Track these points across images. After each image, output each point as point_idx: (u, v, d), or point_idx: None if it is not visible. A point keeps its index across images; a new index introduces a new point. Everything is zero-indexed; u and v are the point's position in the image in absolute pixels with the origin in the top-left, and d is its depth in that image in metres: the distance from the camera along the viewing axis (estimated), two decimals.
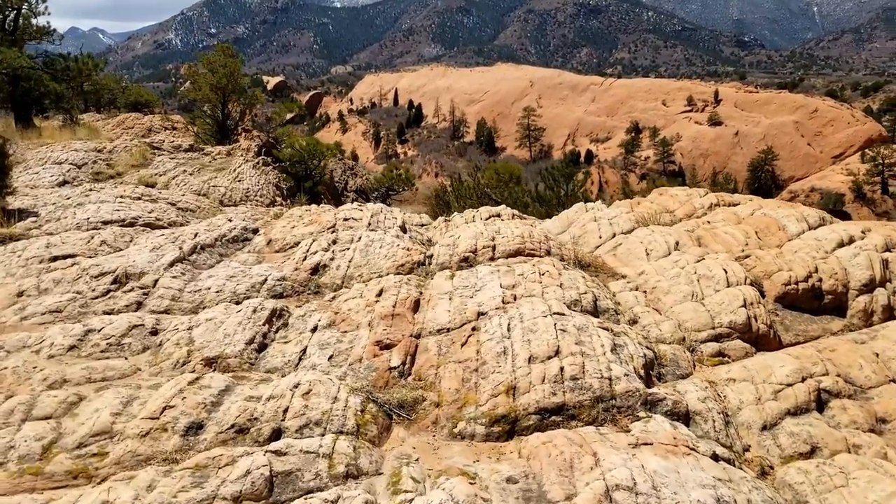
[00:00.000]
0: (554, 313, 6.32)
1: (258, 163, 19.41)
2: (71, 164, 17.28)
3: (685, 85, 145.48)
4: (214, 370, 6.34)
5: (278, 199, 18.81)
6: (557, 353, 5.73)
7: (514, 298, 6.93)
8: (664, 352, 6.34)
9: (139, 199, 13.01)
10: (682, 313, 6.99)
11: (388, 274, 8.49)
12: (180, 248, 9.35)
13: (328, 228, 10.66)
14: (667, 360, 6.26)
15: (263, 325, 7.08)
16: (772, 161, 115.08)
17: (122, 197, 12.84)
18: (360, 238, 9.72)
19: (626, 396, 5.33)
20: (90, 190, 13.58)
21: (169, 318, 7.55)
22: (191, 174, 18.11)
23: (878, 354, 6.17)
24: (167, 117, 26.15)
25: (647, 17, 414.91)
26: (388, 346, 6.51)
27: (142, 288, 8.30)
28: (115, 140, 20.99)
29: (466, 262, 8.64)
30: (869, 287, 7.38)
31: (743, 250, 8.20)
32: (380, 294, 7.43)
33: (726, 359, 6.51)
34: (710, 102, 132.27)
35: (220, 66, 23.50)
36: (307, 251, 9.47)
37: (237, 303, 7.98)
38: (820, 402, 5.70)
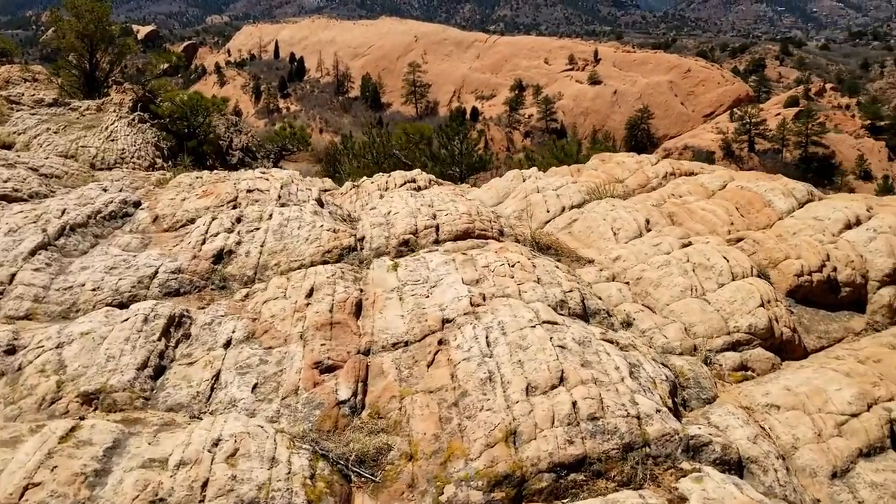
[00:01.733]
0: (544, 322, 4.98)
1: (134, 119, 17.00)
2: None
3: (566, 44, 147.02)
4: (96, 410, 4.67)
5: (158, 160, 16.55)
6: (562, 380, 4.41)
7: (484, 299, 5.55)
8: (680, 368, 5.13)
9: None
10: (685, 314, 5.82)
11: (312, 263, 6.91)
12: (44, 231, 7.38)
13: (228, 202, 8.88)
14: (685, 378, 5.05)
15: (159, 339, 5.40)
16: (648, 119, 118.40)
17: None
18: (270, 215, 8.04)
19: (662, 442, 4.08)
20: None
21: (31, 330, 5.73)
22: (55, 132, 15.56)
23: None
24: (27, 68, 23.19)
25: None
26: (331, 369, 5.00)
27: None
28: None
29: (407, 247, 7.17)
30: (892, 278, 6.47)
31: (729, 231, 7.13)
32: (310, 294, 5.86)
33: (750, 372, 5.41)
34: (590, 62, 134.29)
35: (86, 10, 20.74)
36: (206, 232, 7.71)
37: (121, 305, 6.21)
38: (893, 435, 4.67)
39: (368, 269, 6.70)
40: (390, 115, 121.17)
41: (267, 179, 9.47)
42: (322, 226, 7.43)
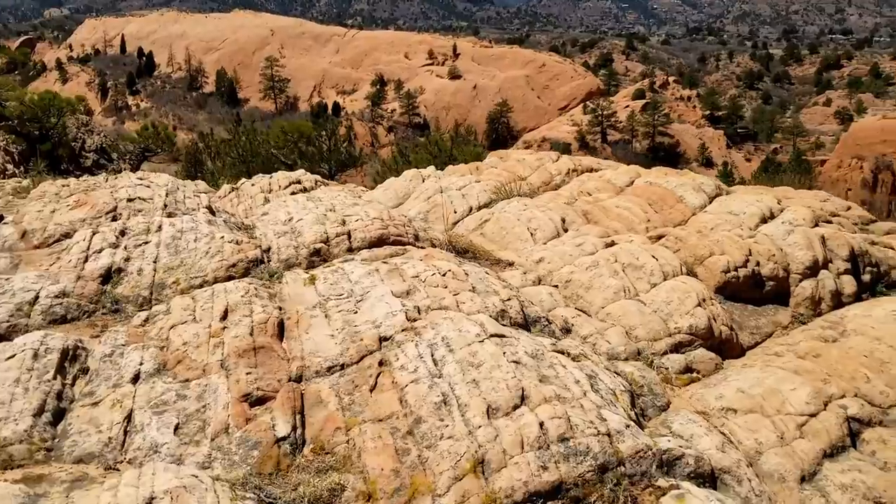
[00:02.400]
0: (492, 335, 4.69)
1: None
2: None
3: (426, 38, 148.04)
4: None
5: (9, 166, 15.02)
6: (524, 399, 4.14)
7: (420, 313, 5.19)
8: (631, 375, 4.96)
9: None
10: (623, 316, 5.70)
11: (216, 279, 6.31)
12: None
13: (107, 213, 8.04)
14: (638, 385, 4.90)
15: (54, 377, 4.69)
16: (507, 113, 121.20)
17: None
18: (159, 227, 7.32)
19: (637, 459, 3.89)
20: None
21: None
22: None
23: (868, 357, 5.32)
24: None
25: None
26: (262, 401, 4.50)
27: None
28: None
29: (319, 257, 6.69)
30: (813, 270, 6.63)
31: (647, 228, 7.12)
32: (224, 316, 5.30)
33: (696, 374, 5.35)
34: (450, 56, 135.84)
35: None
36: (87, 249, 6.91)
37: (1, 337, 5.41)
38: (852, 434, 4.70)
39: (281, 283, 6.18)
40: (248, 111, 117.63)
41: (148, 186, 8.67)
42: (223, 237, 6.81)
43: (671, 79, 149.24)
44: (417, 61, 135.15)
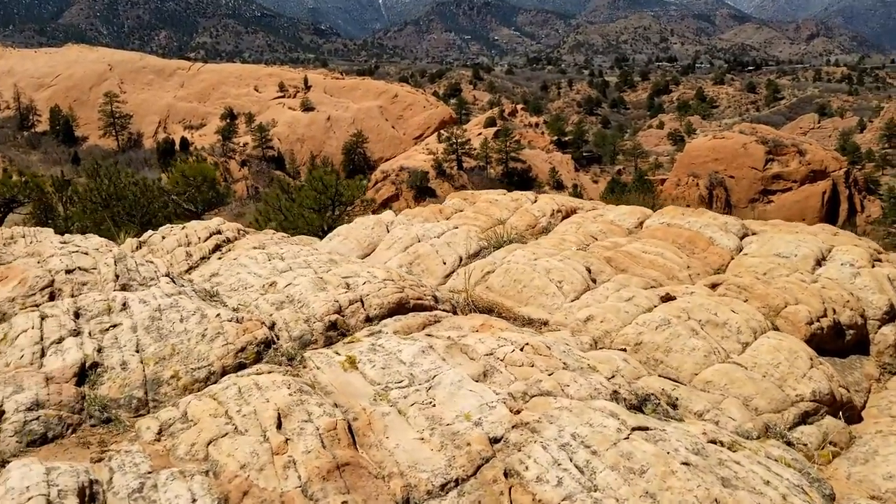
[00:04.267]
0: (634, 429, 3.96)
1: None
2: None
3: (275, 71, 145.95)
4: None
5: None
6: None
7: (516, 400, 4.38)
8: (783, 460, 4.30)
9: None
10: (732, 385, 5.05)
11: (224, 369, 5.22)
12: None
13: (41, 289, 6.65)
14: (795, 472, 4.30)
15: None
16: (363, 144, 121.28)
17: None
18: (123, 304, 6.08)
19: None
20: None
21: None
22: None
23: None
24: None
25: (226, 1, 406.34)
26: None
27: None
28: None
29: (336, 331, 5.73)
30: (890, 315, 6.34)
31: (690, 276, 6.62)
32: (280, 423, 4.27)
33: (835, 448, 4.83)
34: (301, 89, 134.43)
35: None
36: (40, 339, 5.59)
37: None
38: None
39: (307, 368, 5.18)
40: (87, 150, 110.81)
41: (86, 253, 7.30)
42: (218, 315, 5.69)
43: (519, 107, 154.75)
44: (268, 94, 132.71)
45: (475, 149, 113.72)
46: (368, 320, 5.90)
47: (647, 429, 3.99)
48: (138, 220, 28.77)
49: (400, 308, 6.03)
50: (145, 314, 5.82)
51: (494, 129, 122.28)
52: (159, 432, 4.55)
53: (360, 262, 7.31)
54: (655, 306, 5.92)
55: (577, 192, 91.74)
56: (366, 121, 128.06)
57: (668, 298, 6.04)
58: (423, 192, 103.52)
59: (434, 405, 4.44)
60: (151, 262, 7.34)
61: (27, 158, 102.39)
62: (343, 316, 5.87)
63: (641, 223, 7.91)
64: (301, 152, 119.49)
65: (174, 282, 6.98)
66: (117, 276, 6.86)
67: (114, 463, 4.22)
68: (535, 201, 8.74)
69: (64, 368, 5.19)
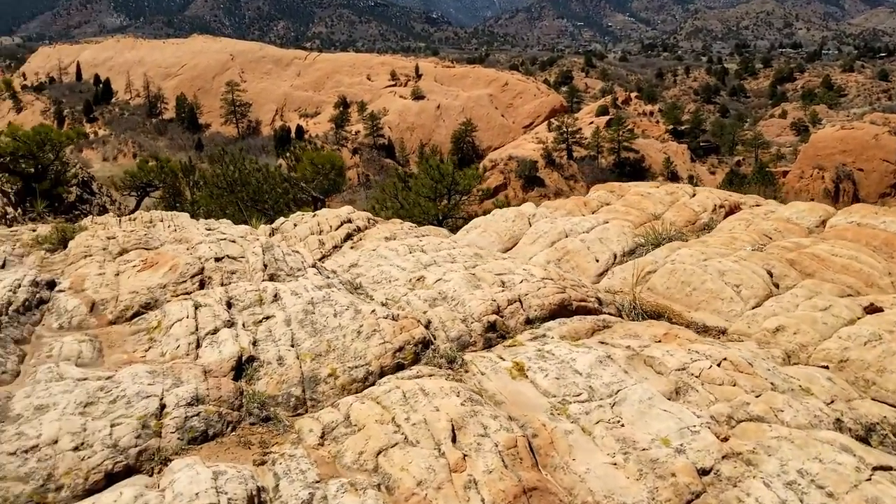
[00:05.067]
0: (875, 468, 3.39)
1: None
2: None
3: (387, 59, 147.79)
4: None
5: (9, 209, 13.34)
6: None
7: (719, 425, 3.88)
8: None
9: None
10: None
11: (382, 370, 4.94)
12: None
13: (191, 277, 6.60)
14: None
15: None
16: (472, 132, 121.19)
17: None
18: (275, 296, 5.91)
19: None
20: None
21: None
22: None
23: None
24: None
25: None
26: None
27: None
28: None
29: (495, 332, 5.36)
30: None
31: (893, 283, 5.90)
32: (454, 435, 3.93)
33: None
34: (412, 77, 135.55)
35: None
36: (195, 328, 5.48)
37: (128, 471, 3.97)
38: None
39: (469, 373, 4.83)
40: (210, 137, 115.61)
41: (233, 241, 7.22)
42: (373, 311, 5.42)
43: (633, 95, 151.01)
44: (380, 83, 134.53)
45: (586, 138, 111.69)
46: (529, 322, 5.50)
47: (890, 468, 3.41)
48: (261, 205, 29.51)
49: (562, 310, 5.59)
50: (298, 307, 5.62)
51: (607, 117, 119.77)
52: (322, 436, 4.30)
53: (509, 257, 6.92)
54: (858, 318, 5.24)
55: (693, 184, 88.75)
56: (475, 109, 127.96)
57: (873, 310, 5.34)
58: (531, 181, 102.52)
59: (622, 424, 3.98)
60: (297, 252, 7.19)
61: (155, 144, 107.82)
62: (502, 317, 5.49)
63: (824, 222, 7.13)
64: (411, 140, 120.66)
65: (320, 273, 6.79)
66: (265, 266, 6.73)
67: (278, 468, 3.99)
68: (694, 195, 8.09)
69: (221, 362, 5.03)
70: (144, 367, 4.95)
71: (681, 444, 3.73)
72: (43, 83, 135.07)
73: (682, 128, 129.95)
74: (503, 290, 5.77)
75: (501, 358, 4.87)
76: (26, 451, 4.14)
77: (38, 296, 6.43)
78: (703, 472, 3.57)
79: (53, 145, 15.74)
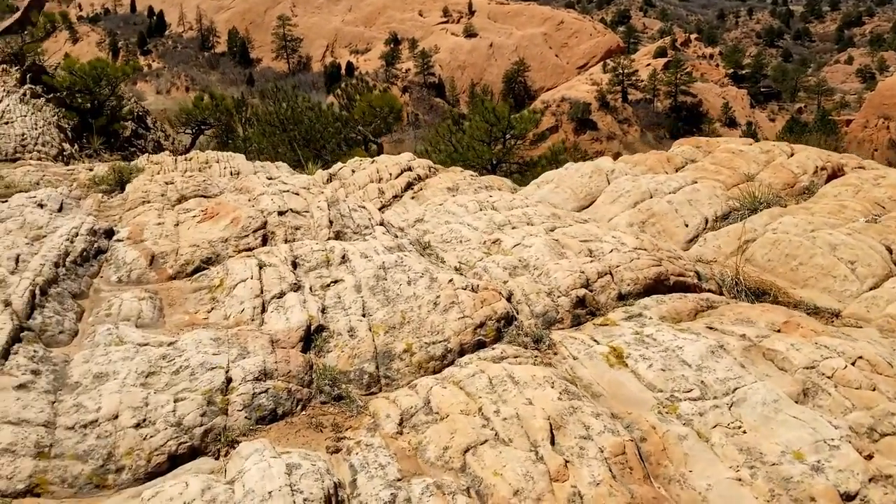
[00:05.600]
0: None
1: (26, 95, 13.41)
2: None
3: None
4: None
5: (66, 146, 13.16)
6: None
7: (860, 438, 3.39)
8: None
9: None
10: None
11: (461, 347, 4.52)
12: (7, 305, 4.56)
13: (254, 231, 6.23)
14: None
15: None
16: (524, 72, 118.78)
17: None
18: (342, 257, 5.51)
19: None
20: None
21: None
22: None
23: None
24: None
25: None
26: None
27: None
28: None
29: (584, 308, 4.89)
30: None
31: None
32: (552, 436, 3.50)
33: None
34: (465, 14, 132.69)
35: None
36: (260, 291, 5.12)
37: (193, 452, 3.66)
38: None
39: (558, 356, 4.39)
40: (261, 72, 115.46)
41: (298, 194, 6.81)
42: (451, 281, 4.97)
43: (693, 36, 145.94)
44: (432, 19, 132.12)
45: (642, 80, 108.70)
46: (621, 298, 5.00)
47: None
48: (313, 145, 29.13)
49: (658, 285, 5.08)
50: (369, 272, 5.21)
51: (665, 59, 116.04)
52: (400, 423, 3.91)
53: (591, 220, 6.39)
54: None
55: (751, 131, 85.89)
56: (528, 48, 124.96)
57: None
58: (583, 124, 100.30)
59: (744, 430, 3.51)
60: (364, 207, 6.75)
61: (207, 78, 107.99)
62: (591, 291, 5.00)
63: None
64: (461, 80, 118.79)
65: (389, 232, 6.37)
66: (331, 223, 6.32)
67: (355, 459, 3.62)
68: (792, 154, 7.41)
69: (289, 331, 4.66)
70: (208, 333, 4.60)
71: (818, 461, 3.24)
72: (98, 14, 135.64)
73: (743, 72, 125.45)
74: (591, 261, 5.27)
75: (595, 340, 4.40)
76: (85, 427, 3.84)
77: (95, 245, 6.14)
78: (848, 498, 3.09)
79: (109, 80, 15.47)
